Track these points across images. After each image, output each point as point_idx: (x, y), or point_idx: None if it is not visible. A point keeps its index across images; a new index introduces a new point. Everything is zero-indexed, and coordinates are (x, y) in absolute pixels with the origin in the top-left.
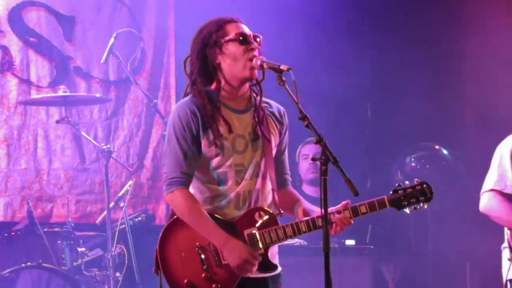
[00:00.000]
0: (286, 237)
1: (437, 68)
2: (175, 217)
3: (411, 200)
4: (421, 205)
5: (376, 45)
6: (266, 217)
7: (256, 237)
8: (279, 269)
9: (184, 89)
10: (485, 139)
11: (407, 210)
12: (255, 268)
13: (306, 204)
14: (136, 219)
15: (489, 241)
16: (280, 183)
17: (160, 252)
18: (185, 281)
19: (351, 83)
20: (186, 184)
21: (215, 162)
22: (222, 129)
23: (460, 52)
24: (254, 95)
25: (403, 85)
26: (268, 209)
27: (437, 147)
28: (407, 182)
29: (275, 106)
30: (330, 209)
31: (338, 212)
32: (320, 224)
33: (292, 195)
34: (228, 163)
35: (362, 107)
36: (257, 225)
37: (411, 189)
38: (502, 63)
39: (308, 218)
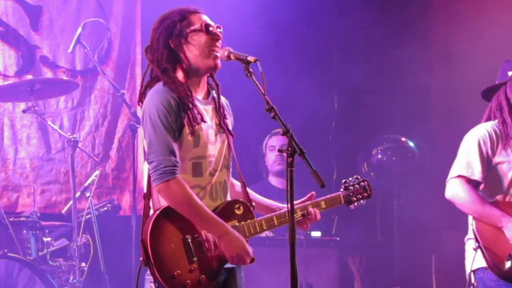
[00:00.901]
0: (262, 229)
1: (405, 61)
2: (163, 207)
3: (358, 196)
4: (362, 202)
5: (344, 37)
6: (244, 210)
7: (238, 230)
8: None
9: (142, 78)
10: (451, 132)
11: (352, 207)
12: (249, 260)
13: (257, 197)
14: (102, 209)
15: (454, 232)
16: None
17: (151, 245)
18: (176, 272)
19: (318, 74)
20: (178, 173)
21: (191, 152)
22: (197, 118)
23: (427, 44)
24: (210, 88)
25: (370, 77)
26: (245, 202)
27: (403, 139)
28: (350, 179)
29: (223, 98)
30: (297, 203)
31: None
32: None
33: (237, 187)
34: (203, 153)
35: (329, 99)
36: (237, 217)
37: (357, 185)
38: (469, 56)
39: (280, 212)
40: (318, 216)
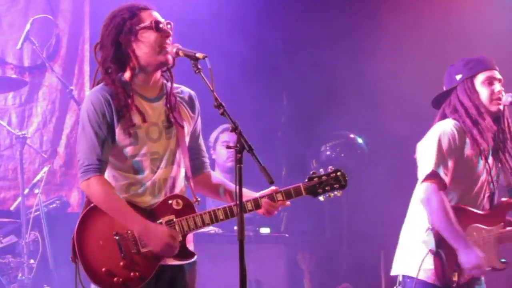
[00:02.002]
0: (204, 224)
1: (355, 59)
2: (92, 205)
3: (326, 188)
4: (335, 192)
5: (293, 34)
6: (183, 204)
7: (174, 225)
8: (195, 256)
9: (93, 76)
10: (400, 128)
11: (321, 198)
12: (177, 249)
13: (232, 187)
14: (51, 206)
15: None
16: (199, 167)
17: (78, 240)
18: (103, 269)
19: (268, 71)
20: (101, 170)
21: (130, 150)
22: (136, 118)
23: (377, 39)
24: (165, 81)
25: (318, 74)
26: (186, 197)
27: (352, 135)
28: (321, 170)
29: (186, 91)
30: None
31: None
32: (245, 211)
33: (214, 178)
34: (143, 151)
35: (278, 95)
36: (175, 212)
37: (326, 177)
38: (419, 51)
39: (225, 205)
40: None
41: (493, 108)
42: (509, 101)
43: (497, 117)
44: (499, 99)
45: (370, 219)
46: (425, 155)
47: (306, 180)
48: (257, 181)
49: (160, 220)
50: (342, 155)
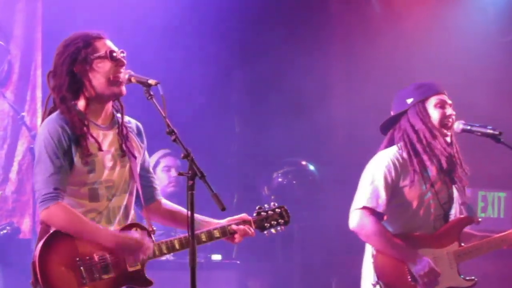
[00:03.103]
0: (162, 253)
1: (306, 86)
2: (53, 230)
3: (272, 223)
4: (279, 228)
5: (244, 61)
6: (142, 233)
7: None
8: (153, 284)
9: (45, 103)
10: (352, 156)
11: (266, 233)
12: (151, 250)
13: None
14: (1, 232)
15: (356, 257)
16: (151, 195)
17: (40, 265)
18: None
19: (219, 96)
20: (60, 198)
21: (87, 178)
22: (92, 146)
23: (329, 71)
24: (115, 111)
25: (272, 101)
26: (143, 225)
27: (303, 162)
28: (266, 206)
29: (134, 122)
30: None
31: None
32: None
33: (168, 205)
34: (99, 179)
35: (230, 121)
36: None
37: (271, 212)
38: (370, 82)
39: (181, 236)
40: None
41: (444, 132)
42: (461, 128)
43: (448, 142)
44: (450, 123)
45: (321, 246)
46: (361, 188)
47: (255, 214)
48: (207, 207)
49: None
50: (294, 182)
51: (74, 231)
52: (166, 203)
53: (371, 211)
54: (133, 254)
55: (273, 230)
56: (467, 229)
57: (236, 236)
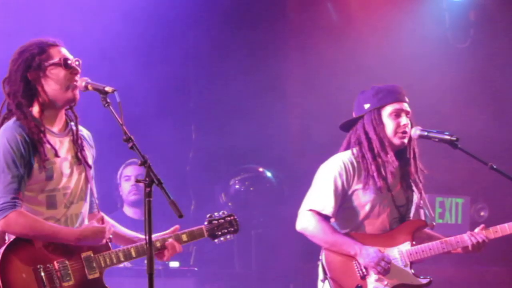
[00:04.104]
0: (119, 261)
1: (263, 93)
2: (12, 238)
3: (223, 231)
4: (228, 236)
5: (200, 68)
6: None
7: (92, 261)
8: None
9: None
10: (309, 163)
11: (216, 241)
12: (111, 230)
13: (120, 229)
14: None
15: (312, 262)
16: (91, 207)
17: (1, 274)
18: None
19: (176, 104)
20: (18, 206)
21: (44, 185)
22: (49, 153)
23: (286, 77)
24: (68, 120)
25: (228, 108)
26: None
27: (260, 169)
28: (216, 214)
29: (85, 131)
30: (158, 236)
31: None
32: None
33: (105, 219)
34: (57, 186)
35: (187, 128)
36: (92, 248)
37: (222, 220)
38: (327, 88)
39: (137, 244)
40: (177, 248)
41: (397, 142)
42: (418, 135)
43: (401, 150)
44: (405, 132)
45: (278, 252)
46: (310, 190)
47: (206, 222)
48: (165, 215)
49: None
50: (251, 189)
51: (34, 235)
52: (104, 217)
53: (317, 213)
54: (96, 238)
55: (223, 239)
56: (431, 231)
57: (166, 253)
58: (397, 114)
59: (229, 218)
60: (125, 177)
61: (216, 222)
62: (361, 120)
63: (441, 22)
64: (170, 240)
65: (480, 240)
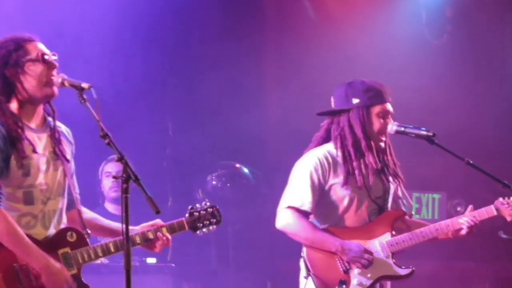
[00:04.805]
0: (97, 257)
1: (241, 90)
2: None
3: (205, 222)
4: (211, 227)
5: (179, 66)
6: (77, 237)
7: (70, 257)
8: None
9: None
10: (286, 159)
11: (199, 232)
12: (70, 284)
13: (105, 222)
14: None
15: (290, 259)
16: (70, 203)
17: None
18: None
19: (153, 100)
20: (2, 203)
21: (22, 181)
22: (27, 149)
23: (263, 75)
24: (46, 115)
25: (206, 104)
26: (78, 229)
27: (237, 165)
28: (197, 205)
29: (63, 126)
30: (138, 229)
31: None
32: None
33: (85, 214)
34: (34, 182)
35: (164, 125)
36: (70, 245)
37: (204, 212)
38: (304, 85)
39: (116, 239)
40: (169, 240)
41: (379, 142)
42: (395, 130)
43: (382, 148)
44: (386, 134)
45: (256, 249)
46: (288, 187)
47: (187, 214)
48: (144, 212)
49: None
50: (228, 185)
51: (8, 241)
52: (85, 211)
53: (296, 209)
54: (53, 283)
55: (205, 230)
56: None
57: (158, 245)
58: (384, 115)
59: (211, 209)
60: (106, 173)
61: (197, 214)
62: (346, 113)
63: (417, 18)
64: (159, 233)
65: (472, 223)
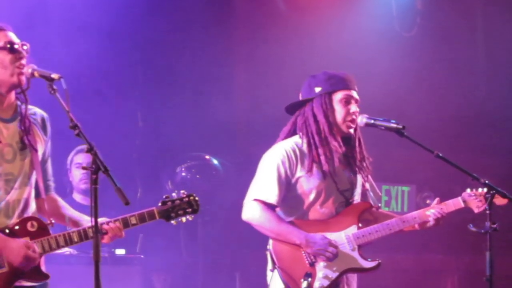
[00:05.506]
0: (59, 246)
1: (210, 81)
2: None
3: (179, 212)
4: (187, 217)
5: (148, 57)
6: (38, 226)
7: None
8: (49, 278)
9: None
10: (255, 150)
11: (173, 222)
12: (37, 261)
13: (73, 212)
14: None
15: (259, 251)
16: (45, 190)
17: None
18: None
19: (123, 91)
20: None
21: None
22: None
23: (233, 66)
24: (19, 103)
25: (174, 94)
26: (40, 219)
27: (207, 157)
28: (174, 194)
29: (39, 113)
30: (100, 220)
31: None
32: (92, 235)
33: (58, 202)
34: None
35: (133, 116)
36: (30, 234)
37: (179, 201)
38: (273, 77)
39: (80, 228)
40: (118, 232)
41: (345, 129)
42: (364, 122)
43: (348, 137)
44: (353, 120)
45: (225, 240)
46: (254, 179)
47: (160, 204)
48: (115, 203)
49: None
50: (198, 176)
51: None
52: (57, 199)
53: (262, 202)
54: (14, 261)
55: (180, 219)
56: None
57: (106, 236)
58: (347, 101)
59: (187, 199)
60: (76, 164)
61: (170, 203)
62: (310, 103)
63: (388, 10)
64: (111, 224)
65: (439, 215)
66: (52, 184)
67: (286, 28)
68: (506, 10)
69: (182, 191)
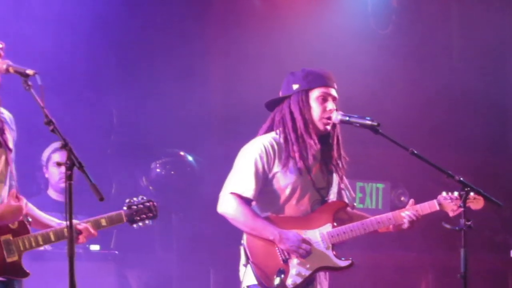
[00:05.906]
0: (38, 244)
1: (184, 78)
2: None
3: (142, 216)
4: (147, 222)
5: (121, 51)
6: (18, 224)
7: (11, 244)
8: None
9: None
10: (230, 147)
11: (135, 226)
12: (21, 211)
13: (39, 215)
14: None
15: (232, 246)
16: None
17: None
18: None
19: (97, 87)
20: None
21: None
22: None
23: (207, 62)
24: None
25: (148, 90)
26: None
27: (182, 153)
28: (134, 199)
29: (7, 114)
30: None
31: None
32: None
33: (28, 203)
34: None
35: (108, 112)
36: (11, 232)
37: (141, 205)
38: (248, 74)
39: (56, 228)
40: (92, 233)
41: (321, 126)
42: (339, 119)
43: (325, 135)
44: (329, 118)
45: (199, 237)
46: (231, 173)
47: (125, 207)
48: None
49: None
50: (172, 172)
51: None
52: (24, 199)
53: (238, 196)
54: (14, 216)
55: (141, 224)
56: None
57: (81, 236)
58: (324, 98)
59: (148, 204)
60: (54, 162)
61: (135, 207)
62: (287, 100)
63: (364, 8)
64: (83, 224)
65: (414, 217)
66: (17, 185)
67: (262, 24)
68: (480, 8)
69: (141, 197)
